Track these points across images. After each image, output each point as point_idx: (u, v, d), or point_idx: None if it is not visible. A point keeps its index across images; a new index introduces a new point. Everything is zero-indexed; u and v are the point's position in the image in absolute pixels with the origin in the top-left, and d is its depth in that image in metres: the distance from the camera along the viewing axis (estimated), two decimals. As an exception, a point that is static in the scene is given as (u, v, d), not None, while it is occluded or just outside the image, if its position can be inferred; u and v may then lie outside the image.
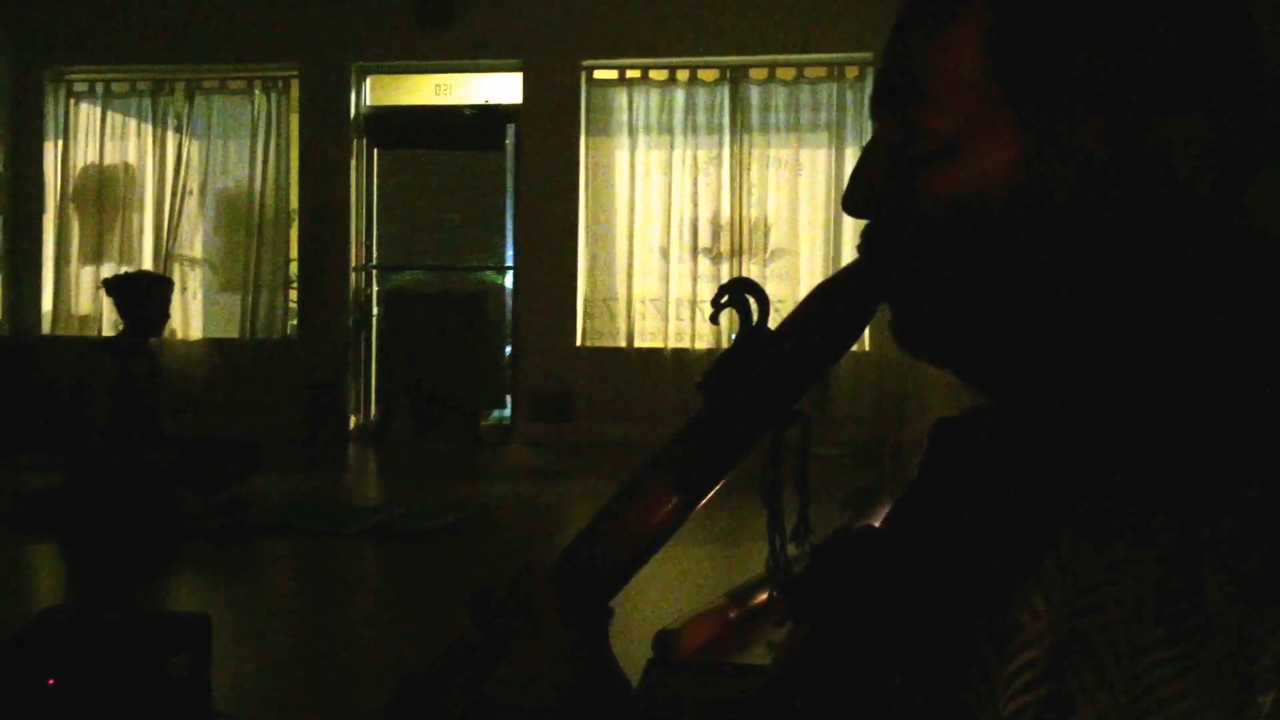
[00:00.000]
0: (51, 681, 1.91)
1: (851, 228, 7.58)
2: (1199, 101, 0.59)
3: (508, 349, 8.23)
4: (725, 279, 7.68)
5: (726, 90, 7.72)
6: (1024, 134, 0.60)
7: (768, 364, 0.69)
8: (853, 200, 0.66)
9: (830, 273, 0.79)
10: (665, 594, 3.67)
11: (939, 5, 0.63)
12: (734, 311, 0.71)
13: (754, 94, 7.72)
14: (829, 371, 0.73)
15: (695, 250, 7.74)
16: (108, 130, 8.29)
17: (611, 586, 0.70)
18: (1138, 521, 0.51)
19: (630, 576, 0.71)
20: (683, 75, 7.78)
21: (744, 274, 7.24)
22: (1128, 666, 0.48)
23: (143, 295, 5.16)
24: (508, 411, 8.18)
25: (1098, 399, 0.59)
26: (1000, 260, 0.61)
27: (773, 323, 0.71)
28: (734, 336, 0.71)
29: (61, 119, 8.35)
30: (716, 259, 7.71)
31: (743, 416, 0.69)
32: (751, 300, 0.70)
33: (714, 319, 0.73)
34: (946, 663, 0.53)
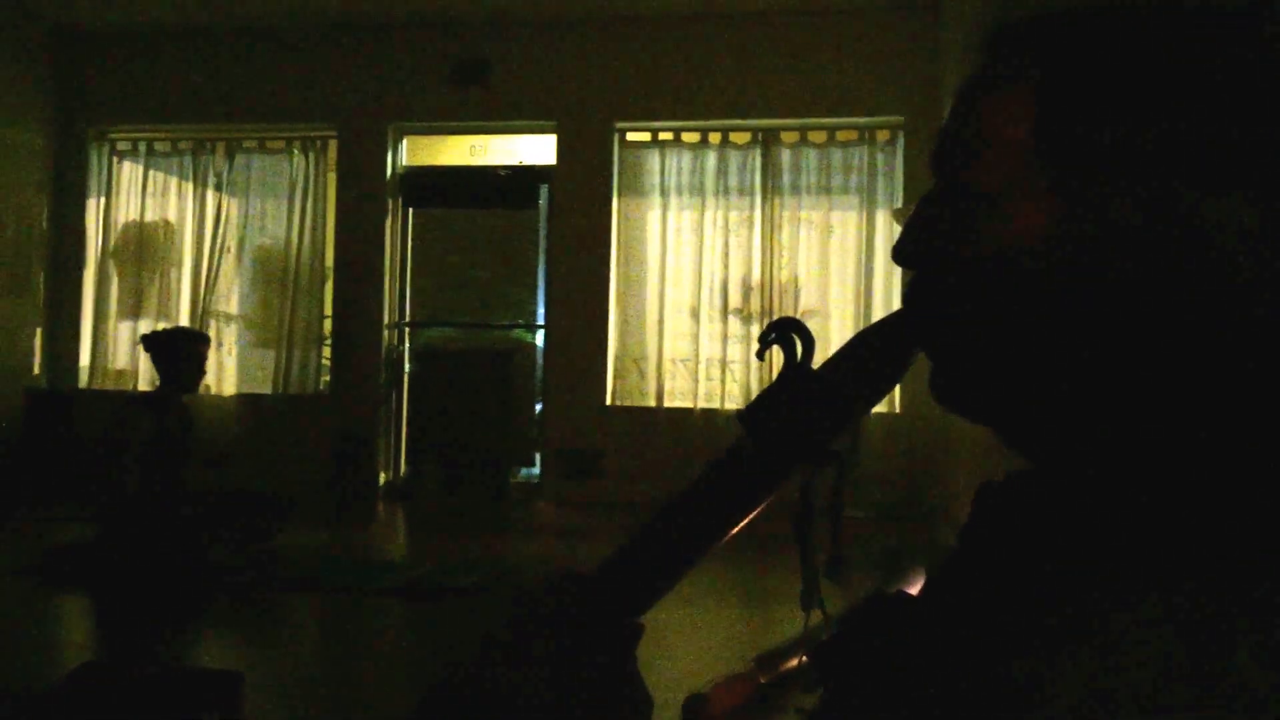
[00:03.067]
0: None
1: (881, 289, 7.59)
2: (1243, 185, 0.59)
3: (537, 407, 8.25)
4: (755, 340, 7.71)
5: (758, 153, 7.79)
6: (1062, 198, 0.62)
7: (807, 401, 0.71)
8: (901, 250, 0.69)
9: (859, 333, 0.81)
10: (694, 658, 3.65)
11: (997, 72, 0.66)
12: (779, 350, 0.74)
13: (785, 156, 7.78)
14: (860, 429, 0.75)
15: (726, 311, 7.76)
16: (149, 188, 8.45)
17: (640, 604, 0.72)
18: (1169, 584, 0.51)
19: (660, 596, 0.73)
20: (715, 138, 7.86)
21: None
22: None
23: (180, 351, 5.22)
24: (536, 469, 8.17)
25: (1132, 462, 0.60)
26: (1034, 319, 0.63)
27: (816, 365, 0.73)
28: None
29: (104, 177, 8.51)
30: (747, 320, 7.73)
31: (779, 450, 0.71)
32: (797, 339, 0.72)
33: (760, 355, 0.76)
34: (969, 716, 0.54)
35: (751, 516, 0.72)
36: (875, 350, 0.72)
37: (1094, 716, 0.49)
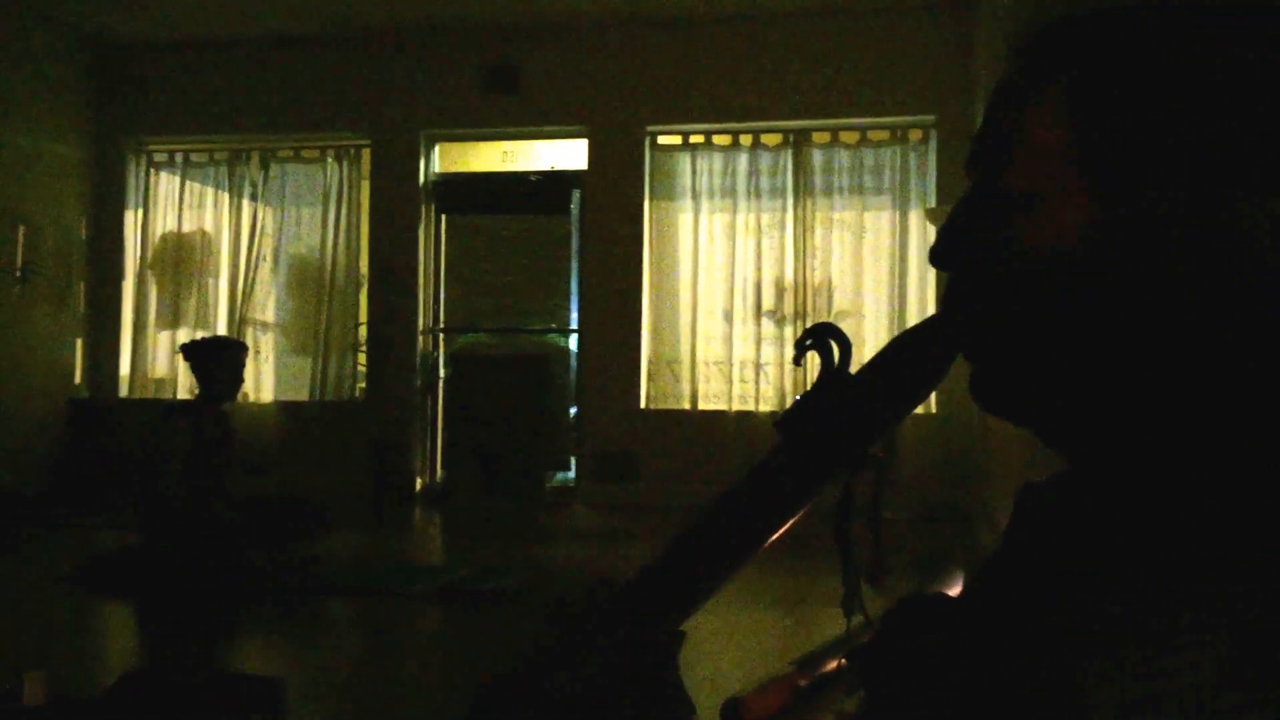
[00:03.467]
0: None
1: (915, 289, 7.54)
2: None
3: (572, 410, 8.27)
4: (789, 342, 7.70)
5: (789, 154, 7.77)
6: (1100, 199, 0.62)
7: (845, 406, 0.71)
8: (939, 252, 0.69)
9: (894, 334, 0.81)
10: (731, 661, 3.64)
11: (1030, 76, 0.66)
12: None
13: (817, 157, 7.76)
14: (896, 431, 0.75)
15: (759, 313, 7.75)
16: (186, 199, 8.55)
17: (682, 612, 0.73)
18: (1215, 587, 0.51)
19: (701, 603, 0.73)
20: (746, 139, 7.85)
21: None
22: None
23: (218, 360, 5.27)
24: (572, 473, 8.20)
25: (1176, 462, 0.60)
26: (1073, 320, 0.63)
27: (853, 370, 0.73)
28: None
29: (142, 188, 8.62)
30: (780, 321, 7.71)
31: (817, 455, 0.71)
32: (834, 344, 0.73)
33: (797, 361, 0.76)
34: None
35: (791, 523, 0.73)
36: (913, 355, 0.72)
37: None
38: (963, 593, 0.72)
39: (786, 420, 0.73)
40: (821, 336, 0.73)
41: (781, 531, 0.73)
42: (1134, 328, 0.61)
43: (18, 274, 7.83)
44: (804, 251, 7.68)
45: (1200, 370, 0.60)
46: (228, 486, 5.34)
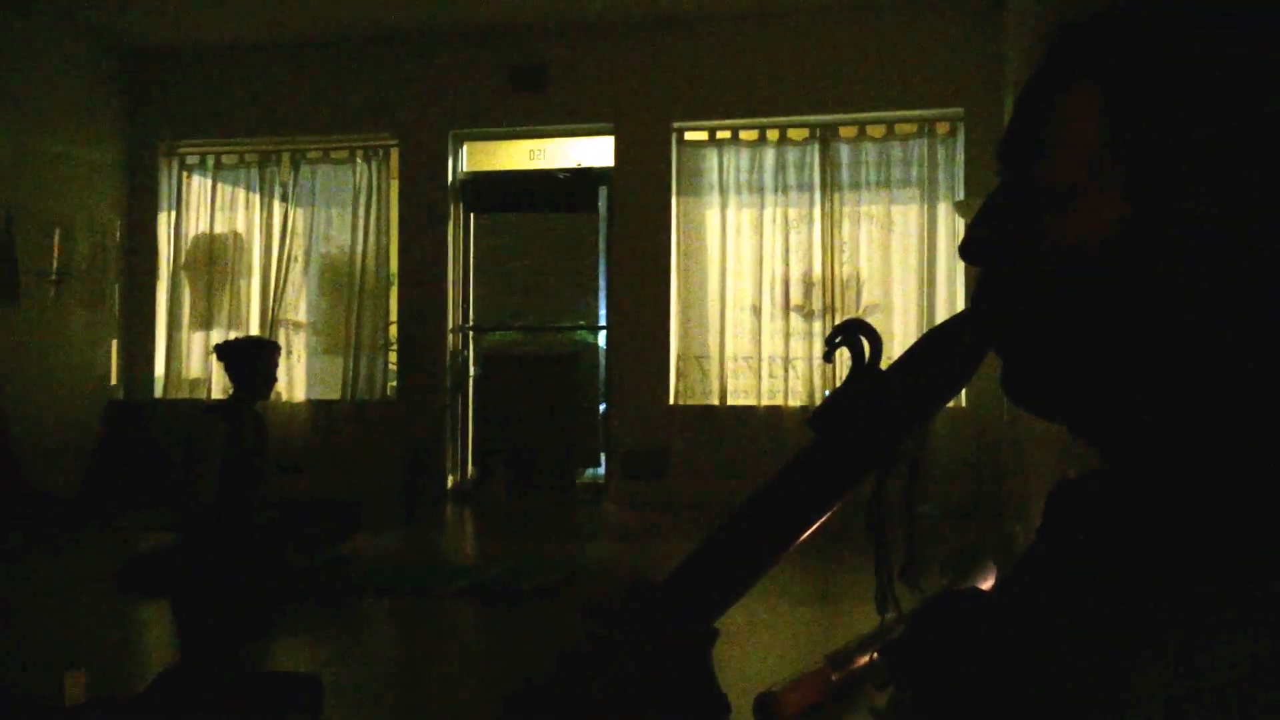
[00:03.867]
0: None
1: (944, 282, 7.51)
2: None
3: (602, 408, 8.28)
4: (818, 337, 7.68)
5: (816, 148, 7.75)
6: (1133, 194, 0.61)
7: (877, 404, 0.71)
8: (970, 247, 0.68)
9: (924, 329, 0.81)
10: (765, 656, 3.64)
11: (1063, 68, 0.65)
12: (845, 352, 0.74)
13: (844, 151, 7.73)
14: (927, 427, 0.75)
15: (787, 308, 7.73)
16: (218, 201, 8.62)
17: (715, 609, 0.73)
18: (1254, 583, 0.51)
19: (733, 601, 0.74)
20: (772, 135, 7.83)
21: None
22: None
23: (252, 360, 5.31)
24: (602, 470, 8.20)
25: (1211, 458, 0.60)
26: (1106, 315, 0.62)
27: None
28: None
29: (174, 191, 8.70)
30: (809, 316, 7.69)
31: (849, 453, 0.71)
32: (864, 341, 0.73)
33: (827, 358, 0.76)
34: (1052, 718, 0.54)
35: (823, 520, 0.73)
36: (944, 351, 0.71)
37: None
38: (996, 588, 0.72)
39: (819, 417, 0.73)
40: (852, 333, 0.73)
41: (815, 528, 0.73)
42: (1165, 324, 0.61)
43: (53, 277, 7.92)
44: (832, 246, 7.65)
45: (1236, 368, 0.60)
46: (262, 486, 5.38)
